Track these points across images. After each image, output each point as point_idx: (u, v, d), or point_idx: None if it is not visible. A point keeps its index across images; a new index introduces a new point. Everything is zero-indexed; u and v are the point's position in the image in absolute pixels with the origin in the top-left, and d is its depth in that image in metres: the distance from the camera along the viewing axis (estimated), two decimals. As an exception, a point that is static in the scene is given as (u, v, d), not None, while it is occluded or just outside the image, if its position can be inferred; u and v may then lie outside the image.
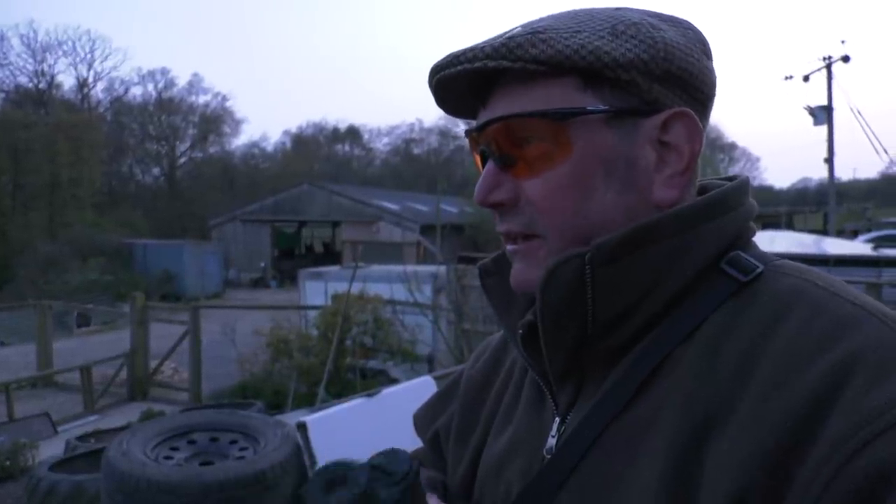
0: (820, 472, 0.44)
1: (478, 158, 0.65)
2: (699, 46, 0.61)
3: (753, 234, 0.63)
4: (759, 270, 0.57)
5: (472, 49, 0.59)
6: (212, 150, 44.60)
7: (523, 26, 0.60)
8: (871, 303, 0.52)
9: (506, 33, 0.60)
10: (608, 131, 0.58)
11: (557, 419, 0.63)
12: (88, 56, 41.68)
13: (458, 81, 0.62)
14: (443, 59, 0.61)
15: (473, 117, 0.65)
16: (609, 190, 0.58)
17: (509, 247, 0.64)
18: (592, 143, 0.58)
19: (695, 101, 0.60)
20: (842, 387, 0.46)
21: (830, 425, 0.44)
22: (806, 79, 21.22)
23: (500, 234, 0.64)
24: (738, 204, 0.61)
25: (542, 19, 0.61)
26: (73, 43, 49.13)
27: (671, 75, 0.58)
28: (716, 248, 0.58)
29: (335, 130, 53.69)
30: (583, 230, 0.59)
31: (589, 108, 0.57)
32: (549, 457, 0.61)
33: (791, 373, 0.48)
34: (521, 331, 0.62)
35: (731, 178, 0.65)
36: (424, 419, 0.90)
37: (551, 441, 0.62)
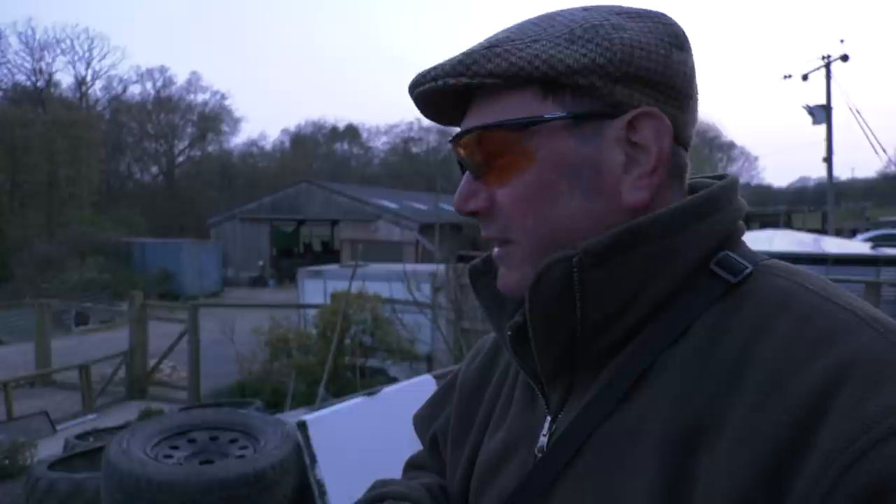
0: (818, 483, 0.43)
1: (460, 168, 0.67)
2: (669, 40, 0.60)
3: (743, 233, 0.63)
4: (748, 271, 0.56)
5: (435, 68, 0.61)
6: (210, 148, 44.60)
7: (485, 40, 0.62)
8: (862, 306, 0.52)
9: (468, 49, 0.61)
10: (570, 137, 0.58)
11: (549, 418, 0.63)
12: (87, 54, 41.72)
13: (434, 100, 0.64)
14: (414, 78, 0.63)
15: (459, 124, 0.67)
16: (575, 196, 0.59)
17: (493, 251, 0.66)
18: (555, 151, 0.58)
19: (667, 98, 0.59)
20: (835, 395, 0.45)
21: (825, 435, 0.44)
22: (805, 78, 21.22)
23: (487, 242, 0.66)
24: (727, 203, 0.61)
25: (506, 29, 0.63)
26: (72, 41, 49.10)
27: (630, 76, 0.57)
28: (705, 249, 0.58)
29: (334, 129, 53.68)
30: (553, 235, 0.59)
31: (546, 115, 0.58)
32: (540, 456, 0.62)
33: (783, 379, 0.47)
34: (509, 332, 0.63)
35: (720, 177, 0.65)
36: (423, 421, 0.90)
37: (542, 440, 0.62)
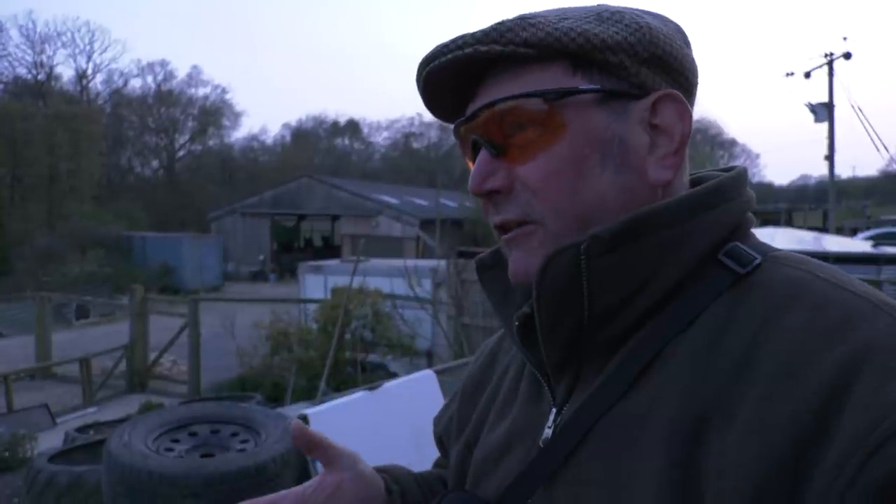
0: (841, 471, 0.42)
1: (469, 152, 0.65)
2: (679, 35, 0.63)
3: (752, 224, 0.63)
4: (757, 262, 0.56)
5: (461, 37, 0.60)
6: (211, 142, 44.61)
7: (514, 16, 0.61)
8: (875, 294, 0.51)
9: (498, 21, 0.60)
10: (600, 112, 0.58)
11: (554, 410, 0.62)
12: (87, 47, 41.80)
13: (445, 77, 0.62)
14: (431, 51, 0.61)
15: (455, 119, 0.66)
16: (605, 170, 0.58)
17: (504, 237, 0.63)
18: (586, 124, 0.58)
19: (679, 86, 0.61)
20: (853, 383, 0.44)
21: (845, 423, 0.43)
22: (807, 75, 21.18)
23: (494, 227, 0.64)
24: (736, 194, 0.60)
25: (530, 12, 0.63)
26: (72, 34, 48.82)
27: (656, 58, 0.59)
28: (713, 239, 0.58)
29: (335, 124, 53.64)
30: (580, 211, 0.58)
31: (582, 87, 0.58)
32: (543, 447, 0.61)
33: (797, 368, 0.47)
34: (517, 322, 0.62)
35: (728, 170, 0.65)
36: (435, 423, 0.91)
37: (547, 432, 0.62)
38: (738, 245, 0.58)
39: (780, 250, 0.59)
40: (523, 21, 0.59)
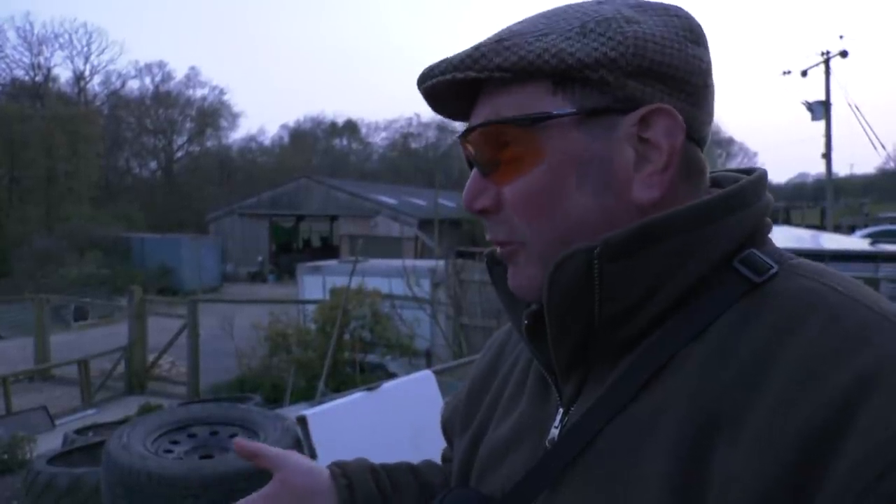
0: (847, 489, 0.42)
1: (468, 165, 0.66)
2: (684, 34, 0.59)
3: (770, 230, 0.61)
4: (773, 271, 0.54)
5: (444, 61, 0.61)
6: (209, 143, 44.55)
7: (496, 33, 0.61)
8: (891, 308, 0.50)
9: (477, 42, 0.61)
10: (580, 133, 0.57)
11: (561, 410, 0.62)
12: (85, 49, 41.80)
13: (443, 93, 0.63)
14: (423, 72, 0.63)
15: (468, 118, 0.66)
16: (584, 192, 0.57)
17: (498, 250, 0.65)
18: (564, 147, 0.57)
19: (680, 93, 0.58)
20: (863, 401, 0.44)
21: (851, 445, 0.43)
22: (804, 74, 21.20)
23: (490, 242, 0.64)
24: (754, 199, 0.58)
25: (518, 23, 0.62)
26: (70, 36, 48.86)
27: (644, 69, 0.56)
28: (729, 246, 0.56)
29: (333, 124, 53.58)
30: (561, 233, 0.58)
31: (555, 111, 0.57)
32: (549, 447, 0.61)
33: (808, 383, 0.46)
34: (526, 321, 0.62)
35: (748, 171, 0.63)
36: (442, 410, 0.92)
37: (554, 432, 0.61)
38: (754, 252, 0.56)
39: (797, 258, 0.58)
40: (498, 44, 0.58)
